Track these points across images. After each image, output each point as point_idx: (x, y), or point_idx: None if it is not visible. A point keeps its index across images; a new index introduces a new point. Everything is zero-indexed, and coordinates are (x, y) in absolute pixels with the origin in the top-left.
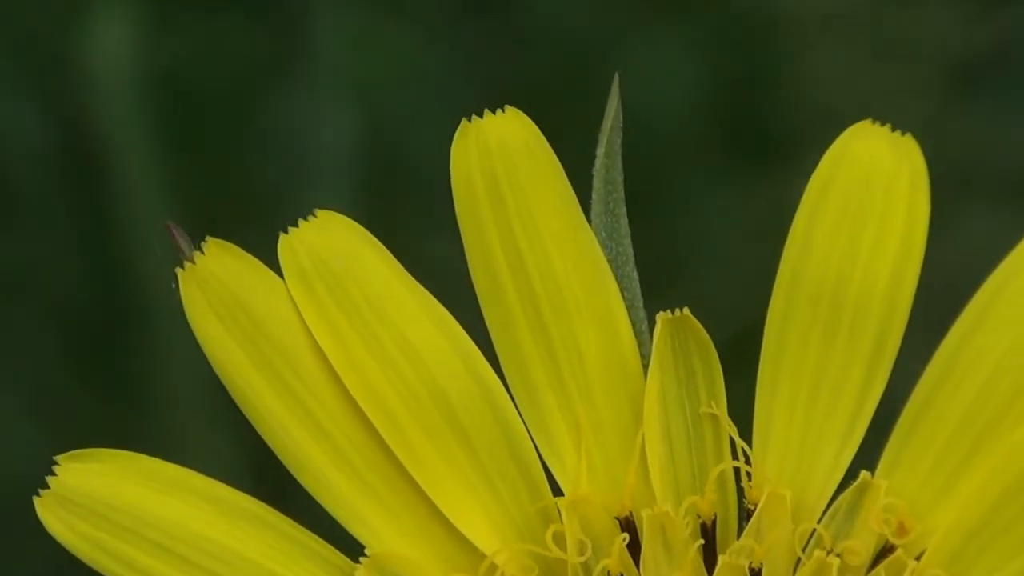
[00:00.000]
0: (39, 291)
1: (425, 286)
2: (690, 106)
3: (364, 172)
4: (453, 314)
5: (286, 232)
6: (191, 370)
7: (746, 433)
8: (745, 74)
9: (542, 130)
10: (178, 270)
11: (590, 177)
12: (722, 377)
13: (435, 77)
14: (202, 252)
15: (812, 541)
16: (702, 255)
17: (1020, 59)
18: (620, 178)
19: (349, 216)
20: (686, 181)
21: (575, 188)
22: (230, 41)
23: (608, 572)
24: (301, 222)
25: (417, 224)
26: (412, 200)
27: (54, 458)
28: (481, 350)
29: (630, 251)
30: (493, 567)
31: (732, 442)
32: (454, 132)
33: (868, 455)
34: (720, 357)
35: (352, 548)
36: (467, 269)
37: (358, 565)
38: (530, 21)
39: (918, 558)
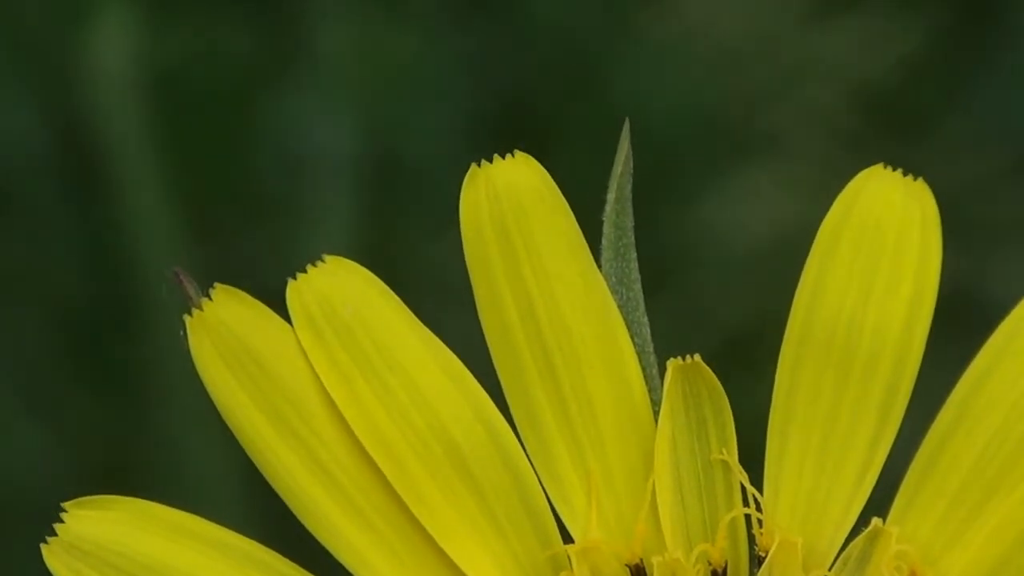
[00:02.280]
0: (38, 291)
1: (424, 288)
2: (688, 106)
3: (364, 173)
4: (453, 320)
5: (294, 279)
6: (187, 368)
7: (755, 474)
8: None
9: (541, 131)
10: (186, 317)
11: (589, 180)
12: (732, 423)
13: (435, 78)
14: (210, 299)
15: None
16: (699, 256)
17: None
18: (631, 223)
19: (349, 217)
20: (685, 182)
21: (575, 196)
22: (230, 42)
23: None
24: (309, 268)
25: (417, 225)
26: (412, 201)
27: (62, 504)
28: (490, 394)
29: (640, 296)
30: None
31: (743, 488)
32: (453, 132)
33: (880, 501)
34: (718, 361)
35: None
36: (466, 269)
37: None
38: (529, 23)
39: None
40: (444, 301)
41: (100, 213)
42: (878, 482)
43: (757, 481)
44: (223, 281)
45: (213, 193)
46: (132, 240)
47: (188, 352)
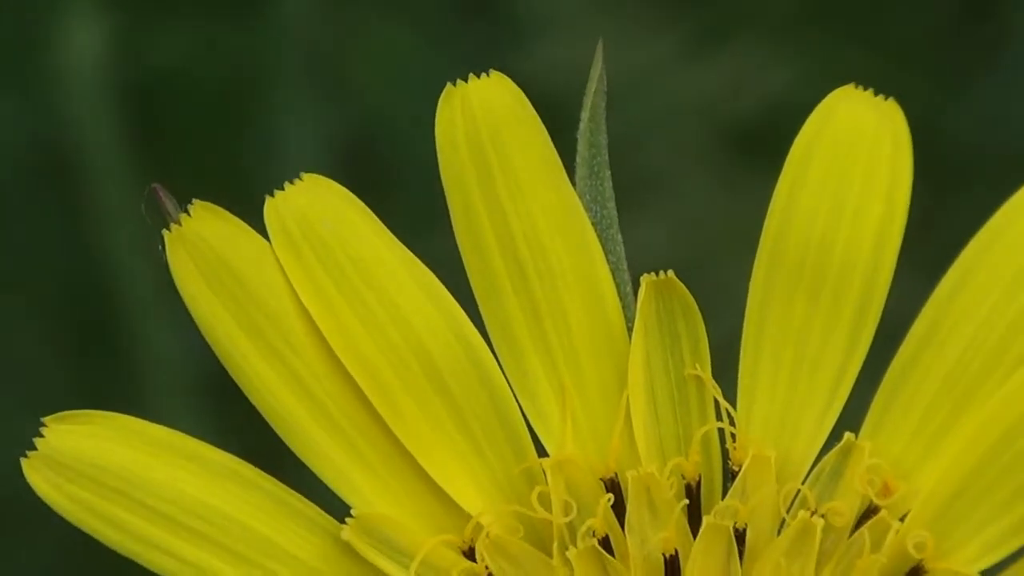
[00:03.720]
0: (27, 288)
1: None
2: (687, 104)
3: (358, 172)
4: None
5: (272, 196)
6: (182, 367)
7: (731, 397)
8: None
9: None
10: (165, 232)
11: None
12: (706, 339)
13: (431, 77)
14: (189, 214)
15: (796, 502)
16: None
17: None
18: (604, 141)
19: None
20: (684, 179)
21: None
22: (220, 42)
23: (593, 532)
24: (287, 185)
25: (413, 224)
26: (408, 200)
27: (41, 419)
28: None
29: (614, 214)
30: (478, 527)
31: (716, 404)
32: None
33: (853, 416)
34: (715, 357)
35: (341, 515)
36: (461, 268)
37: (344, 525)
38: (528, 22)
39: (902, 519)
40: None
41: (84, 212)
42: (850, 397)
43: (731, 396)
44: None
45: (200, 192)
46: (118, 239)
47: (171, 354)
